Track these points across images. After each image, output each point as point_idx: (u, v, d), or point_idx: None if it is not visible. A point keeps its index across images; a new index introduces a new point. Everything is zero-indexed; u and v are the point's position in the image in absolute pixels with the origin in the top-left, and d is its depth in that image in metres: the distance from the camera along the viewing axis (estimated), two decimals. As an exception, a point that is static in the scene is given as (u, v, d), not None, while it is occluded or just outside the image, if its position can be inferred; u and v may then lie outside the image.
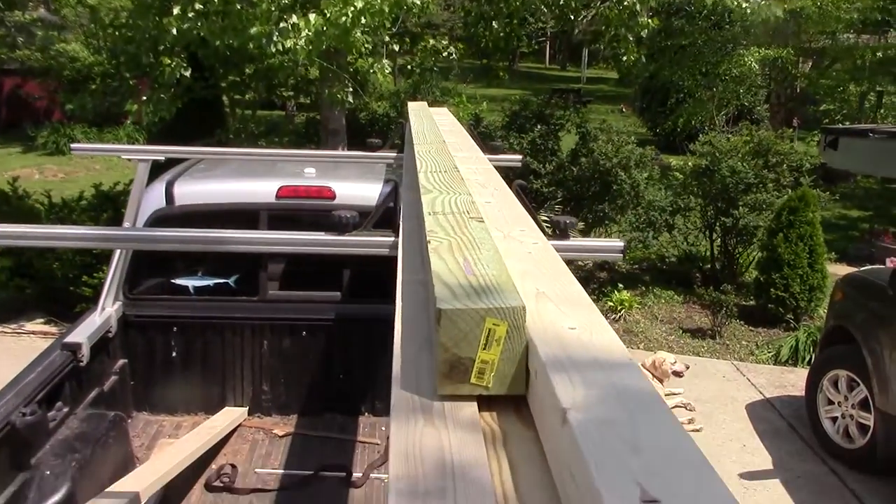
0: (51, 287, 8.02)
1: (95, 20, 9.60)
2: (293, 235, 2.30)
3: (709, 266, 9.82)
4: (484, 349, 1.11)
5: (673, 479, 0.76)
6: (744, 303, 9.07)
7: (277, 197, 4.29)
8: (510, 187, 2.32)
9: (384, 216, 2.76)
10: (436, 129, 3.49)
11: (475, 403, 1.14)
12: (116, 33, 8.44)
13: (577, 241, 2.26)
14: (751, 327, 8.63)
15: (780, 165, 9.41)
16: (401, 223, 2.28)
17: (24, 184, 10.11)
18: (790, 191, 8.98)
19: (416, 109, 4.39)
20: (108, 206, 8.36)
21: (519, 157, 4.33)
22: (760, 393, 7.01)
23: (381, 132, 11.36)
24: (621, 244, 2.24)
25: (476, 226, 1.63)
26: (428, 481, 0.92)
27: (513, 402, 1.17)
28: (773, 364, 7.78)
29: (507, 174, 8.17)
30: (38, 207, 8.61)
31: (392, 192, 2.47)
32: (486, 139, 9.18)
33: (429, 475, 0.93)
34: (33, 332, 7.88)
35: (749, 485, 5.48)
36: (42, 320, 8.11)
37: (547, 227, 2.37)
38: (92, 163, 16.87)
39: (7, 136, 19.75)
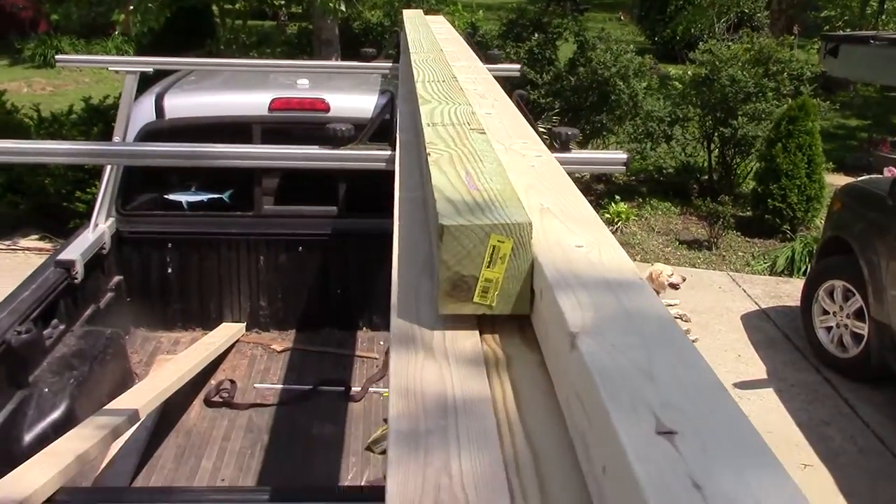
0: (44, 203, 7.95)
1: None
2: (286, 150, 2.24)
3: (706, 177, 9.75)
4: (488, 267, 1.07)
5: (690, 409, 0.72)
6: (741, 214, 9.03)
7: (270, 109, 4.19)
8: (510, 98, 2.25)
9: (381, 129, 2.69)
10: (432, 37, 3.38)
11: (477, 332, 1.10)
12: (100, -61, 8.15)
13: (579, 154, 2.20)
14: (747, 238, 8.61)
15: (781, 74, 9.25)
16: (397, 136, 2.22)
17: (12, 98, 9.91)
18: (790, 100, 8.84)
19: (412, 18, 4.25)
20: (97, 119, 8.22)
21: (517, 66, 4.22)
22: (756, 304, 7.04)
23: (375, 42, 11.10)
24: (624, 156, 2.18)
25: (478, 137, 1.56)
26: (429, 420, 0.88)
27: (517, 322, 1.13)
28: (769, 275, 7.79)
29: (506, 84, 8.01)
30: (27, 122, 8.46)
31: (388, 103, 2.39)
32: (483, 48, 8.99)
33: (430, 413, 0.89)
34: (28, 249, 7.84)
35: (743, 394, 5.54)
36: (36, 236, 8.07)
37: (546, 138, 2.30)
38: (81, 76, 16.54)
39: (-8, 48, 19.31)
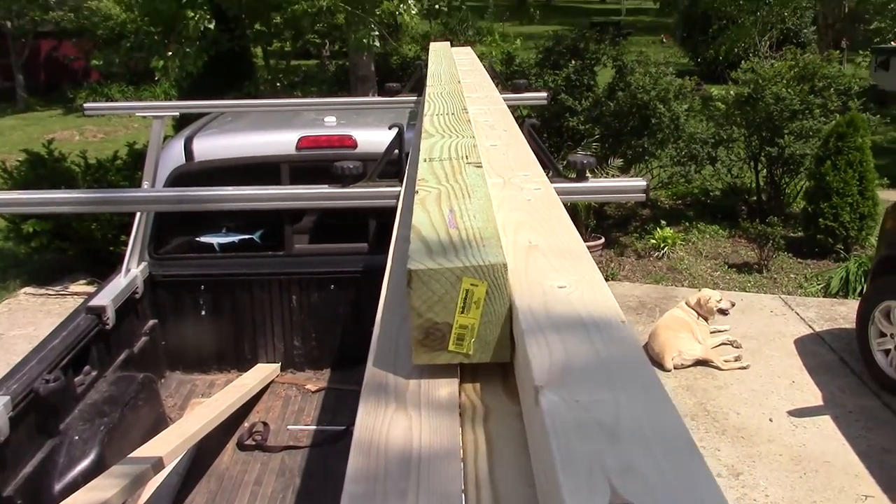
0: (91, 248, 8.07)
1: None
2: (294, 190, 2.20)
3: (754, 198, 9.53)
4: (462, 312, 0.99)
5: (652, 475, 0.64)
6: (791, 234, 8.80)
7: (298, 148, 4.18)
8: (521, 128, 2.18)
9: (396, 165, 2.64)
10: (453, 69, 3.34)
11: (456, 381, 1.02)
12: (139, -12, 8.33)
13: (594, 183, 2.11)
14: (799, 259, 8.37)
15: (828, 90, 9.04)
16: (406, 171, 2.16)
17: (64, 145, 10.14)
18: (838, 116, 8.62)
19: (437, 50, 4.23)
20: (142, 164, 8.33)
21: (544, 94, 4.14)
22: (810, 327, 6.81)
23: (412, 76, 11.14)
24: (643, 183, 2.09)
25: (472, 171, 1.50)
26: (388, 481, 0.80)
27: (500, 370, 1.05)
28: (823, 297, 7.55)
29: (541, 113, 7.93)
30: (74, 169, 8.62)
31: (396, 138, 2.33)
32: (518, 77, 8.94)
33: (391, 473, 0.82)
34: (77, 294, 7.95)
35: (798, 422, 5.33)
36: (85, 281, 8.18)
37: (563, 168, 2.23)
38: (131, 122, 16.93)
39: (48, 98, 19.91)
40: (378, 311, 1.26)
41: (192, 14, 7.52)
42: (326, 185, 2.17)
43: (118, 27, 17.88)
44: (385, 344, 1.13)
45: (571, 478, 0.64)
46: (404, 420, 0.92)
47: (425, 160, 1.62)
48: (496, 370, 1.05)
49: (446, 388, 1.00)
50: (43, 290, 8.12)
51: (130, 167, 8.44)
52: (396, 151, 2.34)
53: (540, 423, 0.74)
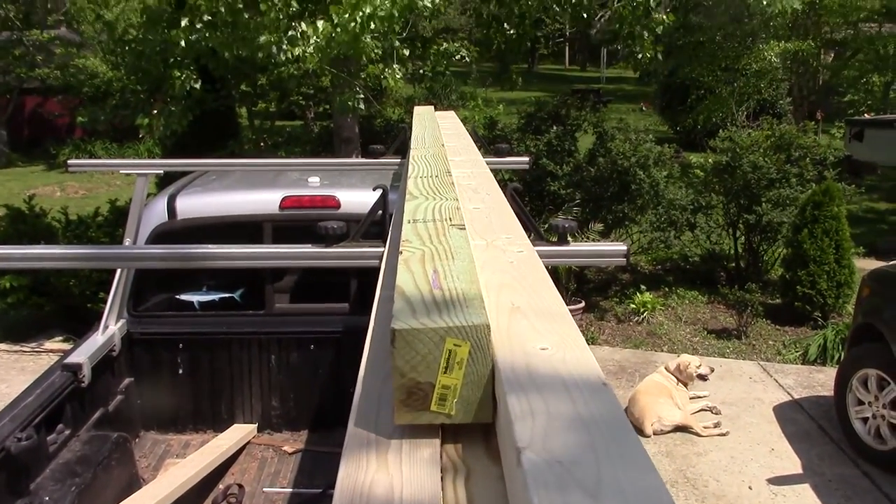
0: (68, 305, 8.00)
1: (111, 35, 9.62)
2: (277, 249, 2.20)
3: (733, 265, 9.62)
4: (445, 373, 1.00)
5: (635, 537, 0.64)
6: (770, 301, 8.86)
7: (281, 207, 4.20)
8: (504, 192, 2.20)
9: (379, 225, 2.66)
10: (436, 133, 3.38)
11: (437, 440, 1.02)
12: (127, 48, 8.42)
13: (576, 247, 2.14)
14: (777, 326, 8.42)
15: (804, 159, 9.19)
16: (390, 232, 2.18)
17: (45, 201, 10.12)
18: (814, 185, 8.77)
19: (421, 114, 4.29)
20: (123, 221, 8.32)
21: (526, 158, 4.20)
22: (788, 394, 6.82)
23: (395, 139, 11.24)
24: (624, 248, 2.11)
25: (456, 234, 1.51)
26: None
27: (482, 431, 1.05)
28: (801, 364, 7.57)
29: (523, 177, 7.99)
30: (55, 225, 8.59)
31: (380, 199, 2.36)
32: (501, 142, 9.05)
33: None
34: (52, 351, 7.85)
35: (778, 490, 5.30)
36: (61, 338, 8.09)
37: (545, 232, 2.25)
38: (113, 179, 16.93)
39: (30, 154, 19.92)
40: (360, 370, 1.26)
41: (179, 74, 7.61)
42: (310, 245, 2.18)
43: (104, 85, 18.01)
44: (367, 403, 1.13)
45: (553, 539, 0.64)
46: (385, 479, 0.92)
47: (409, 221, 1.63)
48: (478, 431, 1.05)
49: (428, 448, 1.00)
50: (17, 347, 8.02)
51: (112, 224, 8.43)
52: (380, 212, 2.36)
53: (522, 484, 0.74)
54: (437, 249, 1.40)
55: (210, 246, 2.18)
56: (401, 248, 1.42)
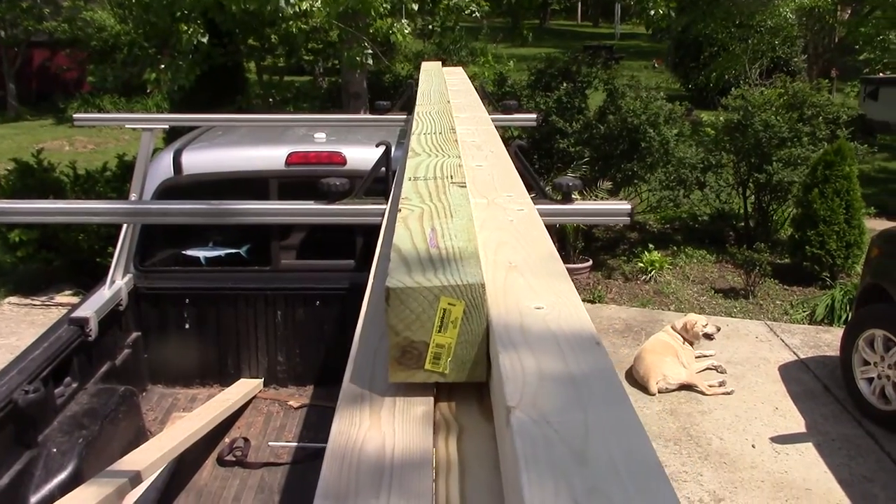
0: (77, 259, 8.03)
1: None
2: (279, 206, 2.20)
3: (742, 224, 9.58)
4: (439, 331, 1.00)
5: (619, 497, 0.64)
6: (778, 261, 8.84)
7: (287, 164, 4.18)
8: (508, 149, 2.19)
9: (383, 182, 2.64)
10: (443, 89, 3.35)
11: (431, 398, 1.02)
12: (134, 0, 8.34)
13: (580, 205, 2.12)
14: (785, 286, 8.40)
15: (816, 118, 9.10)
16: (392, 189, 2.16)
17: (54, 156, 10.11)
18: (826, 144, 8.69)
19: (428, 70, 4.24)
20: (130, 176, 8.31)
21: (534, 115, 4.16)
22: (794, 354, 6.83)
23: (402, 94, 11.16)
24: (628, 207, 2.10)
25: (456, 192, 1.50)
26: (358, 497, 0.80)
27: (476, 389, 1.05)
28: (809, 324, 7.57)
29: (532, 134, 7.92)
30: (63, 179, 8.59)
31: (383, 156, 2.34)
32: (511, 99, 8.98)
33: (361, 489, 0.82)
34: (61, 304, 7.90)
35: (781, 448, 5.33)
36: (70, 292, 8.13)
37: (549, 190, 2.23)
38: (122, 133, 16.89)
39: (39, 108, 19.86)
40: (357, 327, 1.26)
41: (186, 28, 7.54)
42: (312, 202, 2.17)
43: (112, 39, 17.91)
44: (363, 360, 1.13)
45: (538, 498, 0.64)
46: (378, 436, 0.92)
47: (410, 179, 1.62)
48: (472, 390, 1.05)
49: (422, 405, 1.00)
50: (27, 301, 8.08)
51: (119, 179, 8.43)
52: (383, 169, 2.35)
53: (510, 443, 0.74)
54: (436, 207, 1.39)
55: (211, 202, 2.18)
56: (400, 206, 1.41)
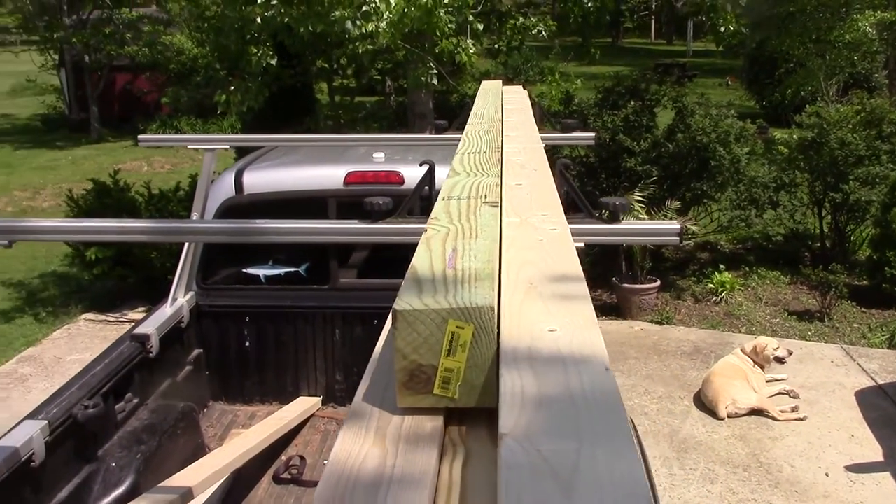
0: (150, 276, 8.23)
1: (193, 12, 9.81)
2: (324, 225, 2.20)
3: (818, 244, 9.29)
4: (448, 355, 0.97)
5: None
6: (856, 283, 8.54)
7: (345, 183, 4.21)
8: (553, 167, 2.15)
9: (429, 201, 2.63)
10: (496, 108, 3.34)
11: (440, 420, 0.99)
12: (206, 24, 8.56)
13: (627, 225, 2.07)
14: (863, 309, 8.10)
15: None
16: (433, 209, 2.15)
17: (132, 176, 10.41)
18: (907, 163, 8.39)
19: (486, 89, 4.23)
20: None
21: (592, 134, 4.11)
22: (872, 379, 6.57)
23: (462, 113, 11.18)
24: (677, 227, 2.04)
25: (487, 211, 1.48)
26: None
27: (487, 414, 1.02)
28: (888, 348, 7.28)
29: (598, 152, 7.81)
30: (138, 199, 8.84)
31: (427, 174, 2.33)
32: (576, 117, 8.90)
33: (354, 505, 0.79)
34: (134, 321, 8.07)
35: (856, 478, 5.13)
36: (143, 309, 8.31)
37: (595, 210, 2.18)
38: (198, 154, 17.25)
39: (120, 130, 20.44)
40: (378, 345, 1.24)
41: (255, 50, 7.71)
42: (356, 221, 2.17)
43: (190, 62, 18.41)
44: (377, 378, 1.11)
45: (513, 534, 0.61)
46: (380, 453, 0.90)
47: (444, 198, 1.61)
48: (484, 413, 1.02)
49: (430, 427, 0.97)
50: (102, 317, 8.31)
51: (191, 198, 8.61)
52: (426, 188, 2.34)
53: (498, 469, 0.71)
54: (462, 227, 1.37)
55: (258, 221, 2.20)
56: (426, 226, 1.39)
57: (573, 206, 2.20)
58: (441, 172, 2.17)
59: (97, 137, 20.31)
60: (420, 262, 1.17)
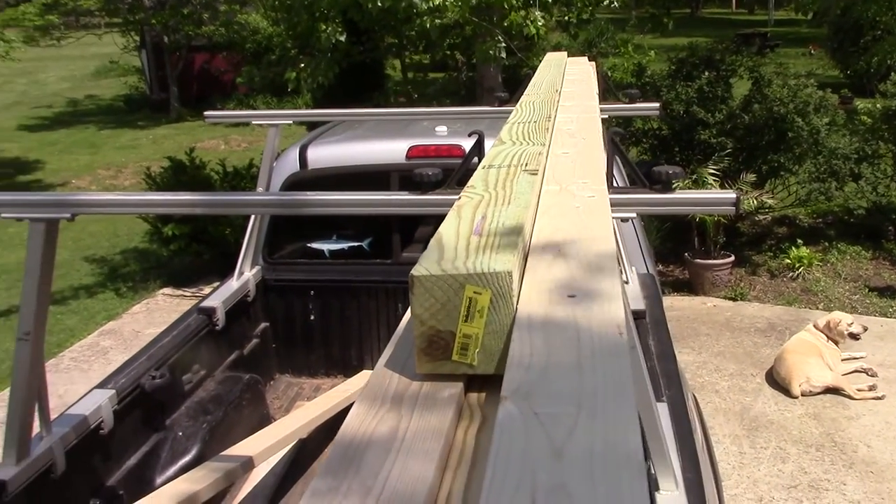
0: (225, 252, 8.41)
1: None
2: (373, 196, 2.21)
3: (903, 218, 8.95)
4: (466, 321, 0.96)
5: (583, 496, 0.59)
6: (944, 258, 8.21)
7: (407, 157, 4.22)
8: (605, 135, 2.11)
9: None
10: (556, 78, 3.29)
11: (460, 386, 0.98)
12: (278, 2, 8.65)
13: (679, 195, 2.01)
14: (950, 285, 7.80)
15: None
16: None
17: (209, 154, 10.62)
18: None
19: (549, 60, 4.17)
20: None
21: (656, 104, 4.01)
22: (956, 357, 6.33)
23: (522, 85, 11.07)
24: (733, 196, 1.97)
25: (525, 179, 1.46)
26: (357, 478, 0.78)
27: (508, 380, 1.01)
28: (974, 325, 7.00)
29: (672, 124, 7.63)
30: (213, 176, 9.03)
31: (476, 145, 2.31)
32: (648, 89, 8.73)
33: (362, 470, 0.80)
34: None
35: (936, 461, 4.96)
36: (218, 283, 8.52)
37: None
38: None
39: (198, 109, 20.79)
40: (406, 314, 1.24)
41: (325, 27, 7.75)
42: (406, 192, 2.17)
43: (265, 41, 18.65)
44: (401, 346, 1.11)
45: (495, 492, 0.60)
46: (394, 418, 0.90)
47: (484, 167, 1.59)
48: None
49: (447, 394, 0.97)
50: (179, 292, 8.54)
51: (263, 174, 8.76)
52: (475, 159, 2.32)
53: (493, 433, 0.70)
54: (496, 195, 1.36)
55: (308, 193, 2.22)
56: (461, 193, 1.38)
57: (629, 178, 2.16)
58: (491, 143, 2.16)
59: (176, 117, 20.79)
60: (447, 228, 1.16)
